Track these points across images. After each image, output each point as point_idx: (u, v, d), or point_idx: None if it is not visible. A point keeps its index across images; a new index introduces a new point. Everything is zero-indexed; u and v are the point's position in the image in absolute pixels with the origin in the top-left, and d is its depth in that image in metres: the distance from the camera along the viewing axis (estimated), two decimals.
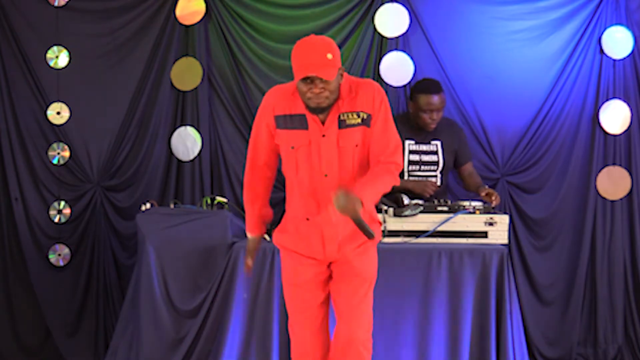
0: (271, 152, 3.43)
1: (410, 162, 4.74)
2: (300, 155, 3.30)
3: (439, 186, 4.72)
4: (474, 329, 4.17)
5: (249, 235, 3.60)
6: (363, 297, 3.37)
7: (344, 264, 3.38)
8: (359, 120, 3.28)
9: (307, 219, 3.35)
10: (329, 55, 3.13)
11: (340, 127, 3.27)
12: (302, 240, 3.37)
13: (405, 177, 4.74)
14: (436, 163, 4.76)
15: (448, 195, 4.90)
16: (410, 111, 4.75)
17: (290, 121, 3.29)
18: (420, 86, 4.72)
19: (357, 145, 3.29)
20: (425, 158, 4.75)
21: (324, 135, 3.27)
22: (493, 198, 4.46)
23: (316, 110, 3.23)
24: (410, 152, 4.74)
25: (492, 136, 5.15)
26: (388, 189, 3.27)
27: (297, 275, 3.41)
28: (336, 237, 3.34)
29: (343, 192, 3.07)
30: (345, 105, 3.27)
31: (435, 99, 4.63)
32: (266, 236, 4.41)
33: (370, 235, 3.16)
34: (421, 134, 4.75)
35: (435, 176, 4.77)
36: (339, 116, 3.27)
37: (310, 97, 3.18)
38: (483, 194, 4.52)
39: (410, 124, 4.73)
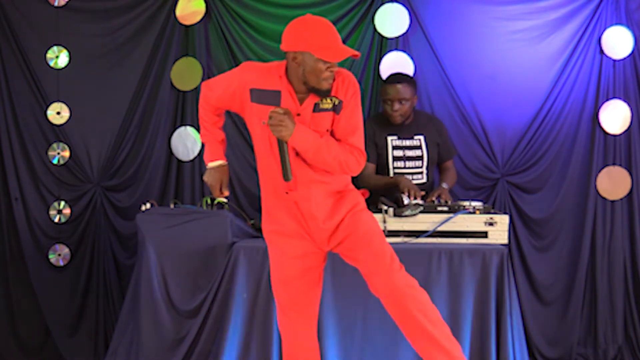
0: (219, 108, 3.52)
1: (395, 158, 4.74)
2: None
3: (422, 184, 4.71)
4: (474, 329, 4.17)
5: (212, 164, 3.51)
6: (380, 245, 3.32)
7: (344, 237, 3.36)
8: (331, 105, 3.32)
9: (287, 193, 3.36)
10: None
11: (314, 110, 3.31)
12: (284, 214, 3.37)
13: (391, 174, 4.74)
14: (420, 158, 4.76)
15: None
16: None
17: (264, 96, 3.32)
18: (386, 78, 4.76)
19: (327, 131, 3.33)
20: (410, 153, 4.75)
21: (298, 114, 3.30)
22: (443, 197, 4.50)
23: (325, 93, 3.27)
24: (394, 147, 4.74)
25: (492, 136, 5.15)
26: (333, 160, 3.29)
27: (282, 270, 3.41)
28: (312, 213, 3.34)
29: (284, 111, 3.18)
30: None
31: (395, 88, 4.64)
32: None
33: (286, 177, 3.24)
34: (403, 130, 4.76)
35: (421, 172, 4.77)
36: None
37: (325, 78, 3.23)
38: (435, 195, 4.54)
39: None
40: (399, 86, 4.65)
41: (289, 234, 3.40)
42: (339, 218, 3.37)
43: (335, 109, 3.32)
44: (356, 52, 3.23)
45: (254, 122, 3.38)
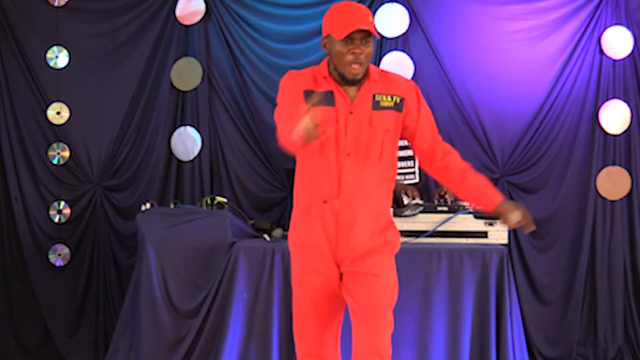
0: None
1: None
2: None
3: (414, 184, 4.71)
4: (474, 329, 4.16)
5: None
6: (386, 307, 3.20)
7: (362, 273, 3.19)
8: (392, 104, 3.20)
9: (325, 202, 3.17)
10: (370, 18, 3.11)
11: (374, 107, 3.19)
12: (316, 224, 3.18)
13: None
14: (412, 158, 4.75)
15: (431, 192, 4.86)
16: None
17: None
18: None
19: (388, 130, 3.20)
20: (401, 153, 4.75)
21: (351, 112, 3.16)
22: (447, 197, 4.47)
23: (352, 81, 3.15)
24: None
25: (492, 136, 5.15)
26: None
27: (303, 282, 3.25)
28: (352, 225, 3.17)
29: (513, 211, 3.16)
30: (380, 87, 3.21)
31: None
32: (266, 236, 4.42)
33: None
34: None
35: (413, 172, 4.77)
36: (374, 96, 3.19)
37: (349, 61, 3.10)
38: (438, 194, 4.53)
39: None
40: None
41: (313, 247, 3.20)
42: (371, 245, 3.20)
43: (397, 107, 3.21)
44: (366, 27, 3.02)
45: None
